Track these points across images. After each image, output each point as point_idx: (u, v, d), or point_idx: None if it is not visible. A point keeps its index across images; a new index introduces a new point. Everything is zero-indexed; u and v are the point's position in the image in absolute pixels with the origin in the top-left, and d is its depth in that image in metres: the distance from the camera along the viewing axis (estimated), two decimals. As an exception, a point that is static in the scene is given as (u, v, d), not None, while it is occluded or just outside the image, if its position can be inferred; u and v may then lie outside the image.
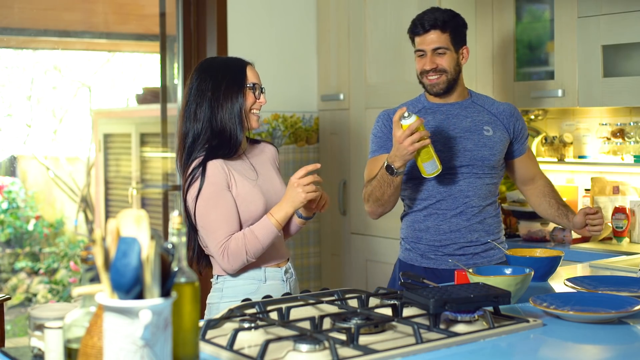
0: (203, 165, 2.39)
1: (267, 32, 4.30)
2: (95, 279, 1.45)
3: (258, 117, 2.50)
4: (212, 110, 2.43)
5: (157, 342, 1.26)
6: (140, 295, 1.28)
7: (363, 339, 1.72)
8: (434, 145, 2.63)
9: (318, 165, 2.41)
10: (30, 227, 7.19)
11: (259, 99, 2.49)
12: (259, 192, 2.45)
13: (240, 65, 2.49)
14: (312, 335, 1.67)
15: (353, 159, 4.24)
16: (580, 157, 3.76)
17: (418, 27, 2.80)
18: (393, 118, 2.48)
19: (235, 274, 2.46)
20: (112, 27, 6.15)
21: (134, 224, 1.30)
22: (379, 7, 4.07)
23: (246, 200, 2.41)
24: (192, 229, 2.47)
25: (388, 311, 1.93)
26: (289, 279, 2.52)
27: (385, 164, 2.57)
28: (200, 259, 2.55)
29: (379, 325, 1.79)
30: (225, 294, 2.45)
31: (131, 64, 7.48)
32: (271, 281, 2.48)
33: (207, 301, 2.53)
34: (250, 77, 2.49)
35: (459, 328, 1.81)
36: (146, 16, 5.79)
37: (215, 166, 2.39)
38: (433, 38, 2.79)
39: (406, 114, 2.47)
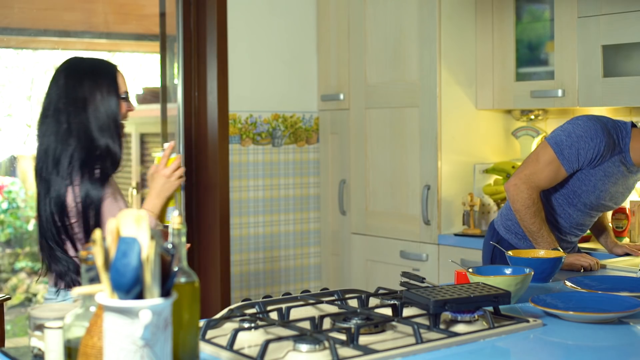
0: (101, 184, 2.33)
1: (267, 32, 4.30)
2: (95, 279, 1.45)
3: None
4: (90, 121, 2.35)
5: (157, 342, 1.26)
6: (140, 295, 1.28)
7: (363, 339, 1.72)
8: None
9: (172, 144, 2.43)
10: (30, 227, 7.18)
11: (129, 108, 2.45)
12: (126, 204, 2.44)
13: (113, 72, 2.42)
14: (312, 335, 1.67)
15: (353, 159, 4.24)
16: (580, 157, 3.76)
17: None
18: (165, 152, 2.43)
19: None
20: (112, 27, 6.15)
21: (134, 224, 1.30)
22: (379, 7, 4.07)
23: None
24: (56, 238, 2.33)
25: (388, 311, 1.93)
26: None
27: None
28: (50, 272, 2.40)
29: (379, 325, 1.79)
30: None
31: (131, 64, 7.48)
32: None
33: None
34: (122, 85, 2.43)
35: (459, 328, 1.81)
36: (146, 16, 5.79)
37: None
38: None
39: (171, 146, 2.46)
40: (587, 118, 2.81)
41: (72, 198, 2.30)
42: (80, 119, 2.33)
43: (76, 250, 2.32)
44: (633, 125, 2.83)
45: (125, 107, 2.41)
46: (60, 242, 2.32)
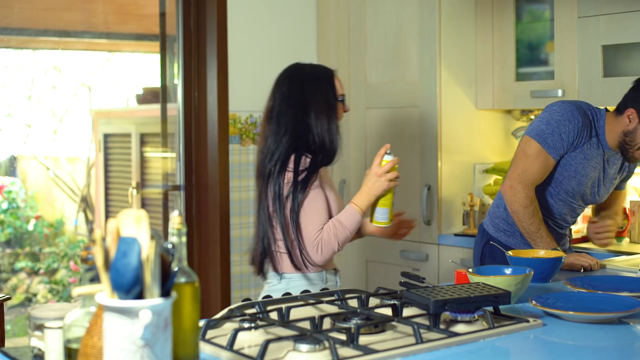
0: (309, 170, 2.51)
1: (267, 32, 4.29)
2: (95, 279, 1.45)
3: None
4: (311, 122, 2.55)
5: (157, 342, 1.26)
6: (140, 295, 1.28)
7: (363, 339, 1.72)
8: None
9: (388, 146, 2.54)
10: (30, 227, 7.18)
11: (345, 109, 2.65)
12: (336, 195, 2.63)
13: (331, 77, 2.63)
14: (312, 335, 1.67)
15: (353, 159, 4.24)
16: (580, 157, 3.76)
17: None
18: (379, 151, 2.55)
19: (302, 274, 2.56)
20: (112, 27, 6.15)
21: (134, 224, 1.30)
22: (379, 7, 4.07)
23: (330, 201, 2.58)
24: (268, 225, 2.55)
25: (388, 311, 1.93)
26: (338, 282, 2.67)
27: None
28: (264, 258, 2.62)
29: (379, 325, 1.79)
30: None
31: (131, 64, 7.48)
32: (329, 282, 2.61)
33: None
34: (339, 88, 2.63)
35: (459, 328, 1.81)
36: (146, 16, 5.79)
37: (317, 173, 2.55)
38: None
39: (389, 151, 2.55)
40: (561, 102, 2.86)
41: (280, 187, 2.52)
42: (302, 119, 2.54)
43: (285, 234, 2.51)
44: (607, 110, 2.87)
45: (342, 108, 2.62)
46: (272, 232, 2.55)
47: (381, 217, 2.58)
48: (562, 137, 2.76)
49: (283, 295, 2.16)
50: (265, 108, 2.65)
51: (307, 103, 2.55)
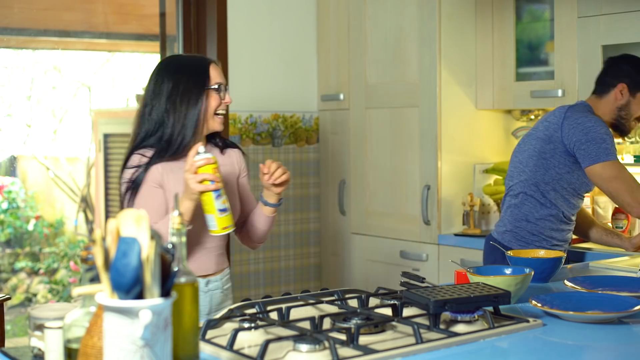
0: (146, 166, 2.40)
1: (267, 32, 4.30)
2: (95, 279, 1.45)
3: (222, 118, 2.47)
4: (167, 113, 2.41)
5: (157, 342, 1.26)
6: (140, 295, 1.28)
7: (363, 339, 1.72)
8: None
9: (197, 146, 2.24)
10: (30, 227, 7.18)
11: (224, 100, 2.46)
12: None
13: (203, 65, 2.46)
14: (312, 335, 1.67)
15: (353, 159, 4.24)
16: (580, 157, 3.75)
17: None
18: (190, 152, 2.26)
19: None
20: (112, 27, 6.15)
21: (134, 224, 1.30)
22: (379, 7, 4.07)
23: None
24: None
25: (388, 311, 1.93)
26: (211, 291, 2.48)
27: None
28: None
29: (379, 325, 1.79)
30: None
31: (131, 64, 7.48)
32: None
33: None
34: (215, 77, 2.45)
35: (459, 328, 1.81)
36: (146, 16, 5.79)
37: (155, 169, 2.40)
38: None
39: (200, 149, 2.23)
40: (582, 116, 2.90)
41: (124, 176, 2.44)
42: (160, 109, 2.41)
43: None
44: (583, 101, 3.03)
45: (217, 98, 2.44)
46: None
47: (210, 225, 2.27)
48: (611, 140, 2.88)
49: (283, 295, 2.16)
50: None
51: (168, 95, 2.40)
